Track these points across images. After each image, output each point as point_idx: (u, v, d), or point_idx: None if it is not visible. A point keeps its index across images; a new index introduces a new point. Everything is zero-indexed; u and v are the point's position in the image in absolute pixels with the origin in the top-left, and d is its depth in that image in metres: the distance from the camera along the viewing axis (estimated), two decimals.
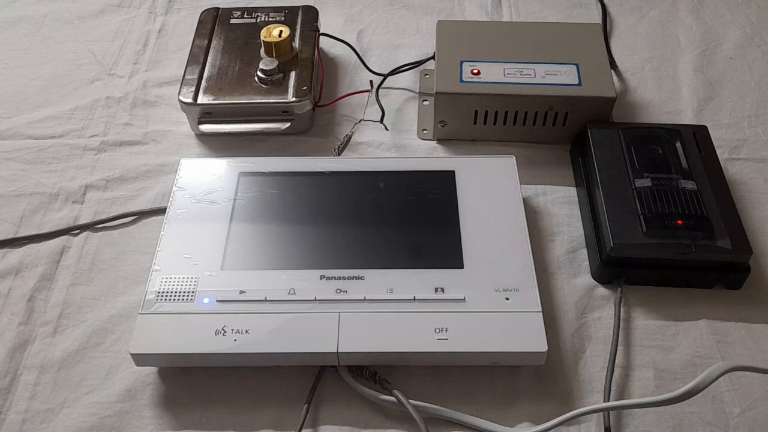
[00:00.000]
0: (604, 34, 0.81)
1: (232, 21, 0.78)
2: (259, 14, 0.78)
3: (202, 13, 0.79)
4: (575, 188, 0.66)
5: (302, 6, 0.79)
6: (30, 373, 0.54)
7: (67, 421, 0.51)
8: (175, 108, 0.74)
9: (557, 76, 0.67)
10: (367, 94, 0.74)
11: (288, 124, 0.69)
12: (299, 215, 0.59)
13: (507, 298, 0.53)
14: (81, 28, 0.85)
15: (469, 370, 0.53)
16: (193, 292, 0.54)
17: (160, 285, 0.54)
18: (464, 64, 0.68)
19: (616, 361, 0.53)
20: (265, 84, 0.70)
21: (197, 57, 0.73)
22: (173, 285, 0.54)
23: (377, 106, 0.72)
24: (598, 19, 0.84)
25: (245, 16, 0.78)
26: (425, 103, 0.75)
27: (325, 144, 0.71)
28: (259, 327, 0.51)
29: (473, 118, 0.68)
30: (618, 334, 0.55)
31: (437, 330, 0.51)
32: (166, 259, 0.56)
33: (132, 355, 0.51)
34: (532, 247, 0.56)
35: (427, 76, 0.77)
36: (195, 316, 0.52)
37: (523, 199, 0.60)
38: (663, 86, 0.76)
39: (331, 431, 0.50)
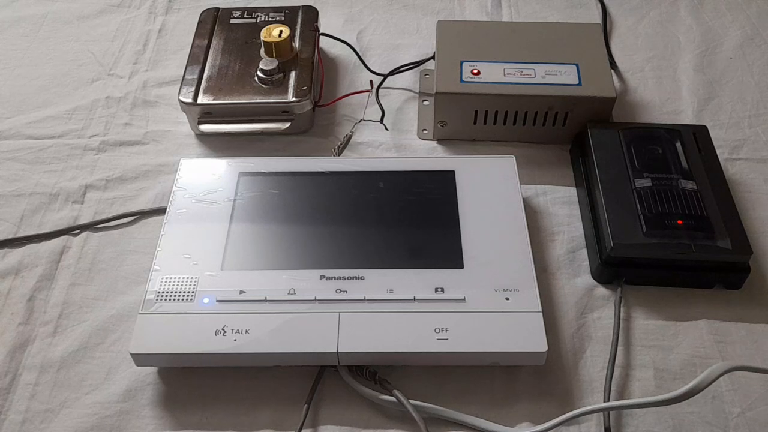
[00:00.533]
0: (604, 34, 0.81)
1: (232, 21, 0.78)
2: (259, 14, 0.78)
3: (202, 13, 0.79)
4: (575, 188, 0.66)
5: (302, 6, 0.79)
6: (30, 373, 0.54)
7: (67, 421, 0.51)
8: (175, 108, 0.74)
9: (557, 76, 0.67)
10: (367, 94, 0.74)
11: (288, 124, 0.69)
12: (299, 215, 0.59)
13: (507, 298, 0.53)
14: (81, 28, 0.85)
15: (469, 370, 0.53)
16: (193, 292, 0.54)
17: (160, 285, 0.54)
18: (464, 64, 0.68)
19: (616, 361, 0.53)
20: (265, 84, 0.70)
21: (197, 57, 0.73)
22: (173, 285, 0.54)
23: (377, 106, 0.72)
24: (598, 19, 0.84)
25: (245, 16, 0.78)
26: (425, 103, 0.75)
27: (325, 144, 0.71)
28: (259, 327, 0.51)
29: (473, 118, 0.68)
30: (618, 334, 0.55)
31: (437, 330, 0.51)
32: (166, 259, 0.56)
33: (132, 355, 0.51)
34: (532, 247, 0.56)
35: (427, 76, 0.77)
36: (195, 316, 0.52)
37: (523, 199, 0.60)
38: (663, 86, 0.76)
39: (331, 431, 0.50)
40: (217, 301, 0.53)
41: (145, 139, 0.72)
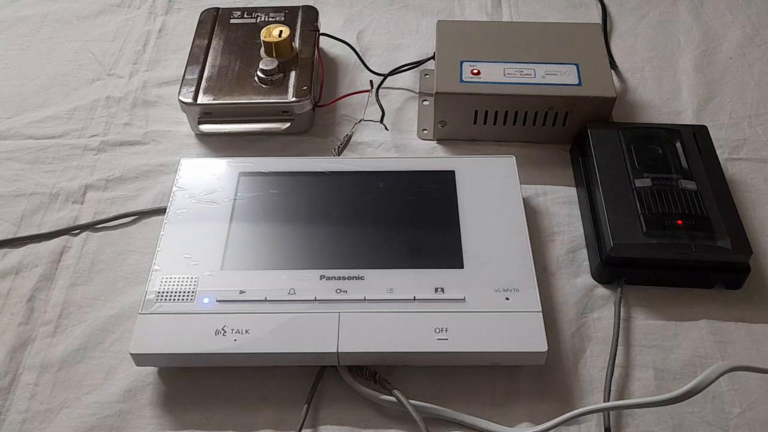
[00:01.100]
0: (604, 34, 0.81)
1: (232, 21, 0.78)
2: (259, 14, 0.78)
3: (202, 13, 0.79)
4: (575, 188, 0.66)
5: (302, 6, 0.79)
6: (30, 373, 0.54)
7: (67, 421, 0.51)
8: (175, 108, 0.74)
9: (557, 76, 0.67)
10: (367, 94, 0.74)
11: (288, 124, 0.69)
12: (299, 215, 0.59)
13: (507, 298, 0.53)
14: (81, 28, 0.85)
15: (469, 370, 0.53)
16: (193, 292, 0.54)
17: (160, 285, 0.54)
18: (464, 64, 0.68)
19: (616, 361, 0.53)
20: (265, 84, 0.70)
21: (197, 57, 0.73)
22: (173, 285, 0.54)
23: (377, 106, 0.72)
24: (598, 19, 0.84)
25: (245, 16, 0.78)
26: (425, 103, 0.75)
27: (325, 144, 0.71)
28: (259, 327, 0.51)
29: (473, 118, 0.68)
30: (618, 334, 0.55)
31: (437, 330, 0.51)
32: (166, 259, 0.56)
33: (132, 355, 0.51)
34: (532, 247, 0.56)
35: (427, 76, 0.77)
36: (195, 316, 0.52)
37: (523, 199, 0.60)
38: (663, 86, 0.76)
39: (331, 431, 0.50)
40: (217, 301, 0.53)
41: (145, 139, 0.72)
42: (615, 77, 0.77)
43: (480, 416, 0.50)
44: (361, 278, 0.54)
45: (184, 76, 0.71)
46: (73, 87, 0.77)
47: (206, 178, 0.62)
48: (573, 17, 0.85)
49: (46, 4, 0.88)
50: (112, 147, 0.71)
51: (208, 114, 0.69)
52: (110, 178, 0.68)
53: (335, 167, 0.63)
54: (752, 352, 0.54)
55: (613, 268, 0.57)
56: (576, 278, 0.59)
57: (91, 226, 0.64)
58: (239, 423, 0.51)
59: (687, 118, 0.72)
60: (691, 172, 0.60)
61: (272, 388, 0.53)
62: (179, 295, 0.53)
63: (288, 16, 0.78)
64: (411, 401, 0.50)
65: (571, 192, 0.66)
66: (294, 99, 0.69)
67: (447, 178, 0.61)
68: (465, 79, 0.67)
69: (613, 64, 0.78)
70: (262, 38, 0.72)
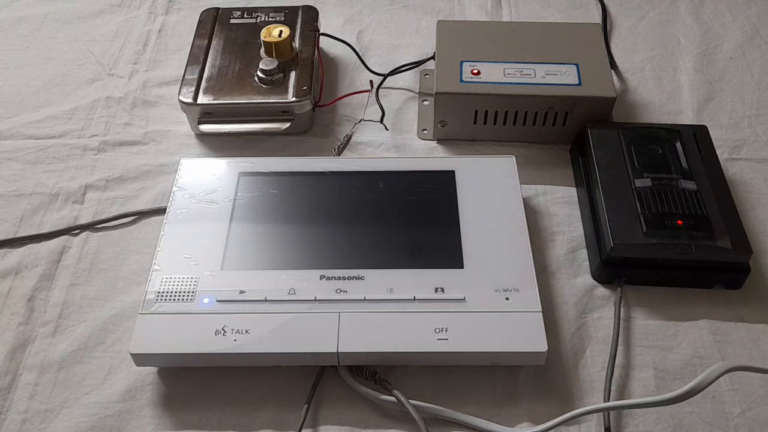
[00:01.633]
0: (604, 34, 0.81)
1: (232, 21, 0.78)
2: (259, 14, 0.78)
3: (202, 13, 0.79)
4: (575, 188, 0.66)
5: (302, 6, 0.79)
6: (30, 373, 0.54)
7: (67, 421, 0.51)
8: (175, 108, 0.74)
9: (557, 76, 0.67)
10: (367, 94, 0.74)
11: (288, 124, 0.69)
12: (299, 215, 0.59)
13: (507, 298, 0.53)
14: (81, 28, 0.85)
15: (469, 370, 0.53)
16: (193, 292, 0.54)
17: (160, 285, 0.54)
18: (464, 64, 0.68)
19: (616, 361, 0.53)
20: (265, 84, 0.70)
21: (197, 57, 0.73)
22: (173, 285, 0.54)
23: (377, 106, 0.72)
24: (598, 19, 0.84)
25: (245, 16, 0.78)
26: (425, 103, 0.75)
27: (325, 144, 0.71)
28: (259, 327, 0.51)
29: (473, 118, 0.68)
30: (618, 334, 0.55)
31: (437, 330, 0.51)
32: (166, 259, 0.56)
33: (132, 355, 0.51)
34: (532, 247, 0.56)
35: (427, 76, 0.77)
36: (195, 316, 0.52)
37: (523, 199, 0.60)
38: (663, 86, 0.76)
39: (331, 431, 0.50)
40: (217, 301, 0.53)
41: (145, 139, 0.72)
42: (615, 77, 0.77)
43: (480, 416, 0.50)
44: (361, 278, 0.54)
45: (184, 76, 0.71)
46: (73, 87, 0.77)
47: (206, 178, 0.62)
48: (573, 17, 0.85)
49: (46, 4, 0.88)
50: (112, 147, 0.71)
51: (208, 114, 0.69)
52: (110, 178, 0.68)
53: (335, 167, 0.63)
54: (752, 352, 0.54)
55: (613, 268, 0.57)
56: (576, 278, 0.59)
57: (91, 226, 0.64)
58: (239, 423, 0.51)
59: (687, 118, 0.72)
60: (691, 172, 0.60)
61: (272, 388, 0.53)
62: (179, 295, 0.53)
63: (288, 16, 0.78)
64: (411, 401, 0.50)
65: (571, 192, 0.66)
66: (294, 99, 0.69)
67: (447, 178, 0.61)
68: (465, 79, 0.67)
69: (613, 64, 0.78)
70: (262, 38, 0.72)
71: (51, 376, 0.54)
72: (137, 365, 0.53)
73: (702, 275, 0.57)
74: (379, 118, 0.71)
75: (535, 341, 0.51)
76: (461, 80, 0.67)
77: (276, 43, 0.71)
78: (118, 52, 0.81)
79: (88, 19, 0.86)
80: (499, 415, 0.51)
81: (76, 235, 0.63)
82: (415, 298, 0.53)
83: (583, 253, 0.61)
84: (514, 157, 0.63)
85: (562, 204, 0.65)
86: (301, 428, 0.50)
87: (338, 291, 0.53)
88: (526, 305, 0.52)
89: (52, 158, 0.70)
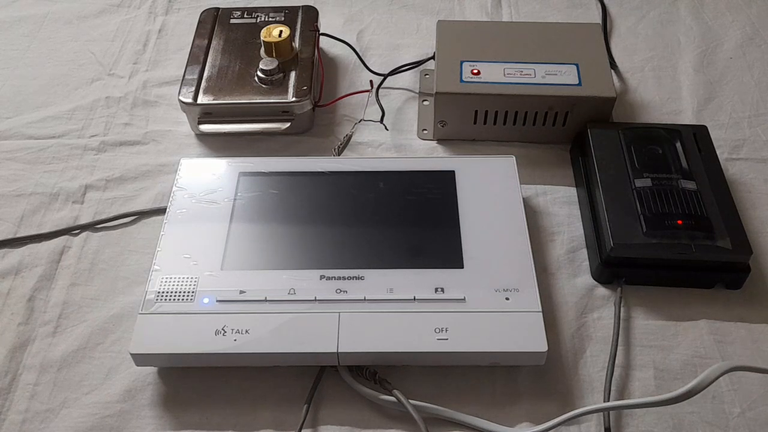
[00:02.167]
0: (604, 34, 0.81)
1: (232, 21, 0.78)
2: (259, 14, 0.78)
3: (202, 13, 0.79)
4: (575, 188, 0.66)
5: (302, 6, 0.79)
6: (30, 373, 0.54)
7: (67, 421, 0.51)
8: (175, 108, 0.74)
9: (557, 76, 0.67)
10: (367, 94, 0.74)
11: (288, 124, 0.69)
12: (299, 215, 0.59)
13: (507, 298, 0.53)
14: (81, 28, 0.85)
15: (469, 370, 0.53)
16: (193, 292, 0.54)
17: (160, 285, 0.54)
18: (464, 64, 0.68)
19: (616, 361, 0.53)
20: (265, 84, 0.70)
21: (197, 57, 0.73)
22: (173, 285, 0.54)
23: (377, 106, 0.72)
24: (598, 19, 0.84)
25: (245, 16, 0.78)
26: (425, 103, 0.75)
27: (325, 144, 0.71)
28: (259, 327, 0.51)
29: (473, 118, 0.68)
30: (618, 334, 0.55)
31: (437, 330, 0.51)
32: (166, 259, 0.56)
33: (132, 355, 0.51)
34: (532, 247, 0.56)
35: (427, 76, 0.77)
36: (195, 316, 0.52)
37: (523, 199, 0.60)
38: (663, 86, 0.76)
39: (331, 431, 0.50)
40: (217, 301, 0.53)
41: (145, 139, 0.72)
42: (615, 77, 0.77)
43: (480, 416, 0.50)
44: (361, 278, 0.54)
45: (184, 76, 0.71)
46: (73, 87, 0.77)
47: (206, 178, 0.62)
48: (573, 17, 0.85)
49: (46, 4, 0.88)
50: (112, 147, 0.71)
51: (208, 114, 0.69)
52: (110, 178, 0.68)
53: (335, 167, 0.63)
54: (752, 352, 0.54)
55: (613, 268, 0.57)
56: (576, 278, 0.59)
57: (91, 226, 0.64)
58: (239, 423, 0.51)
59: (687, 118, 0.72)
60: (691, 172, 0.60)
61: (272, 388, 0.53)
62: (179, 295, 0.53)
63: (288, 16, 0.78)
64: (411, 401, 0.50)
65: (571, 192, 0.66)
66: (294, 99, 0.69)
67: (447, 178, 0.61)
68: (465, 79, 0.67)
69: (613, 64, 0.78)
70: (262, 38, 0.72)
71: (51, 376, 0.54)
72: (137, 365, 0.53)
73: (702, 275, 0.57)
74: (379, 118, 0.71)
75: (535, 341, 0.51)
76: (461, 80, 0.67)
77: (276, 43, 0.71)
78: (118, 52, 0.81)
79: (88, 19, 0.86)
80: (499, 415, 0.51)
81: (76, 235, 0.63)
82: (415, 298, 0.53)
83: (583, 253, 0.61)
84: (514, 157, 0.63)
85: (562, 204, 0.65)
86: (301, 428, 0.50)
87: (338, 291, 0.53)
88: (526, 305, 0.52)
89: (52, 158, 0.70)
